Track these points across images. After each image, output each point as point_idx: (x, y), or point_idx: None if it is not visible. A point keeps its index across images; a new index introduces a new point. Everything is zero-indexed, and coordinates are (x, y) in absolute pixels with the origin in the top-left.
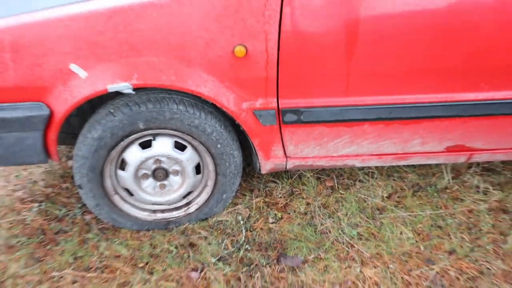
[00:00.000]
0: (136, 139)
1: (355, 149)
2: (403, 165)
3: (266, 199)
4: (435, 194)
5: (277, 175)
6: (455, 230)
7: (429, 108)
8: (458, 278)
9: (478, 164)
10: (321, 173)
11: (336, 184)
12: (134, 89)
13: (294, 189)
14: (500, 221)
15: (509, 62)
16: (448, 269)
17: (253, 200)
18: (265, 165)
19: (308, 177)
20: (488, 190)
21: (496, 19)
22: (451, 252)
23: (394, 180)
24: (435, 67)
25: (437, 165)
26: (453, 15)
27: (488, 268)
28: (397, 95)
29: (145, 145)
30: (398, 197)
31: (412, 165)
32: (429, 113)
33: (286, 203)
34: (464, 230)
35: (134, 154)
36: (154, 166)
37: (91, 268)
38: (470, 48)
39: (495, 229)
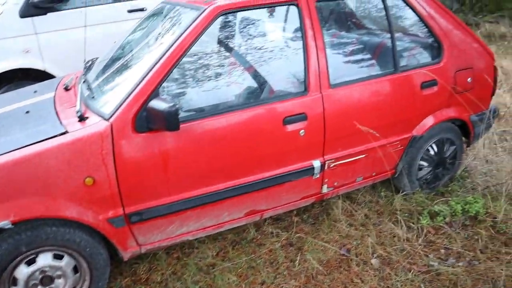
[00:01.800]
0: (22, 259)
1: (186, 229)
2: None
3: (133, 278)
4: (247, 244)
5: (138, 257)
6: (263, 266)
7: (227, 191)
8: None
9: (270, 217)
10: (169, 249)
11: (180, 254)
12: (13, 224)
13: (151, 265)
14: (289, 252)
15: (257, 155)
16: None
17: (122, 281)
18: (125, 255)
19: (160, 253)
20: (279, 233)
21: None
22: (263, 283)
23: (219, 241)
24: (223, 167)
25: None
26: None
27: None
28: (204, 187)
29: (31, 261)
30: (223, 252)
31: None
32: (228, 195)
33: (147, 277)
34: (269, 265)
35: (22, 272)
36: (40, 276)
37: None
38: (241, 151)
39: (287, 259)
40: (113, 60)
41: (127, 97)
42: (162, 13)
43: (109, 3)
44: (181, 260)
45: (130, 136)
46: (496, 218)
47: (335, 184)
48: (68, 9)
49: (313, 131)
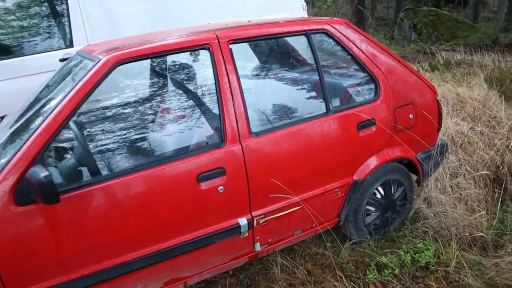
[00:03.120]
0: None
1: None
2: None
3: None
4: None
5: None
6: None
7: (138, 262)
8: None
9: (203, 280)
10: None
11: None
12: None
13: None
14: None
15: (170, 218)
16: None
17: None
18: None
19: None
20: None
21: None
22: None
23: None
24: (129, 235)
25: None
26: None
27: None
28: (110, 260)
29: None
30: None
31: None
32: (139, 266)
33: None
34: None
35: None
36: None
37: None
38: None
39: None
40: (16, 119)
41: (6, 164)
42: (71, 64)
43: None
44: None
45: (9, 210)
46: (448, 266)
47: (270, 240)
48: None
49: (234, 186)
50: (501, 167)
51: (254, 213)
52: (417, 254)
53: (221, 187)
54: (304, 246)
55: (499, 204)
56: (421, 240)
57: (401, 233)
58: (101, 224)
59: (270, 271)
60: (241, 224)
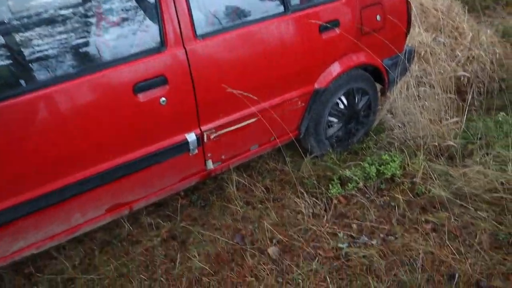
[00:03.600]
0: None
1: (24, 243)
2: None
3: None
4: (119, 244)
5: None
6: (136, 273)
7: (71, 188)
8: None
9: (153, 204)
10: (19, 264)
11: (33, 269)
12: None
13: None
14: (170, 249)
15: (104, 137)
16: None
17: None
18: None
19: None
20: (160, 224)
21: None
22: None
23: (84, 243)
24: (58, 158)
25: None
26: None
27: None
28: (36, 189)
29: None
30: (88, 259)
31: None
32: (73, 192)
33: None
34: (143, 270)
35: None
36: None
37: None
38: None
39: (166, 258)
40: None
41: None
42: None
43: None
44: (34, 276)
45: None
46: (414, 178)
47: (223, 157)
48: None
49: (179, 97)
50: (462, 78)
51: (204, 128)
52: (382, 166)
53: (163, 99)
54: (261, 162)
55: (465, 113)
56: (386, 152)
57: (364, 145)
58: (23, 143)
59: (225, 190)
60: (189, 140)
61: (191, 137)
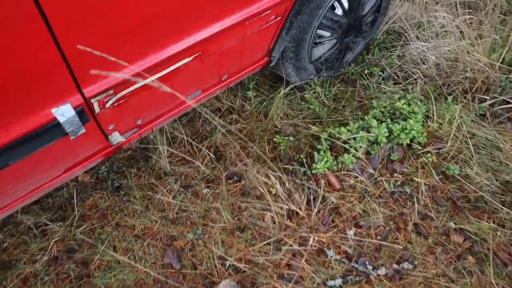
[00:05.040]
0: None
1: None
2: None
3: None
4: None
5: None
6: None
7: None
8: None
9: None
10: None
11: None
12: None
13: None
14: (62, 278)
15: None
16: None
17: None
18: None
19: None
20: (47, 227)
21: None
22: None
23: None
24: None
25: None
26: None
27: None
28: None
29: None
30: None
31: None
32: None
33: None
34: None
35: None
36: None
37: None
38: None
39: None
40: None
41: None
42: None
43: None
44: None
45: None
46: (441, 144)
47: (139, 122)
48: None
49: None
50: None
51: (89, 91)
52: (395, 124)
53: None
54: (212, 100)
55: None
56: (400, 90)
57: (365, 69)
58: None
59: (150, 160)
60: (61, 118)
61: (64, 112)
